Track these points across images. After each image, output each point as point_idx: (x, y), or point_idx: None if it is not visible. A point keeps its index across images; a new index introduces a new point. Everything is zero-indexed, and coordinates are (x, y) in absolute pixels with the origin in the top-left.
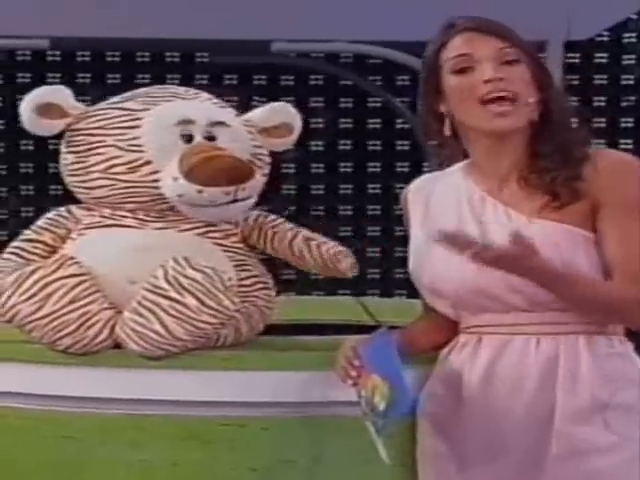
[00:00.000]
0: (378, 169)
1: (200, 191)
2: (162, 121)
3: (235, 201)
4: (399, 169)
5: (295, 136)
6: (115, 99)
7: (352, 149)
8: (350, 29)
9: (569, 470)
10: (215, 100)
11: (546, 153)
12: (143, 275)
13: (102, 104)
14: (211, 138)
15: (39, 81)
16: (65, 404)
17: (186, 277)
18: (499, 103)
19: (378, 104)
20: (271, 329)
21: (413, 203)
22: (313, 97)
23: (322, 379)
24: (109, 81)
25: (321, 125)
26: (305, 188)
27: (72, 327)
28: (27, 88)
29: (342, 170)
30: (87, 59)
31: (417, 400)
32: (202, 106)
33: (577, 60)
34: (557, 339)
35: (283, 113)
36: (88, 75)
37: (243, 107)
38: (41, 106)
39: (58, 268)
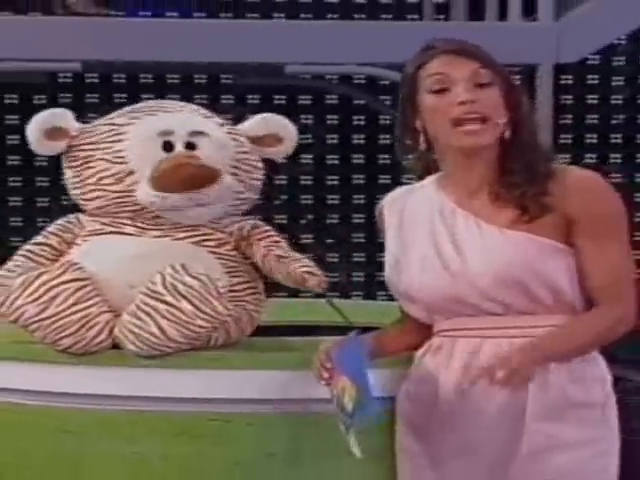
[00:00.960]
0: (388, 181)
1: (164, 198)
2: (143, 133)
3: (199, 205)
4: (408, 181)
5: (287, 146)
6: (108, 116)
7: (365, 163)
8: (360, 52)
9: (539, 465)
10: (201, 112)
11: (515, 170)
12: (141, 280)
13: (95, 122)
14: (192, 147)
15: (78, 101)
16: (65, 400)
17: (183, 283)
18: (470, 123)
19: (388, 121)
20: (260, 330)
21: (388, 215)
22: (329, 115)
23: (303, 378)
24: (142, 102)
25: (336, 141)
26: (321, 198)
27: (73, 328)
28: (68, 107)
29: (355, 182)
30: (122, 81)
31: (384, 400)
32: (183, 117)
33: (570, 81)
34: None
35: (272, 123)
36: (123, 95)
37: None
38: (47, 130)
39: (62, 273)
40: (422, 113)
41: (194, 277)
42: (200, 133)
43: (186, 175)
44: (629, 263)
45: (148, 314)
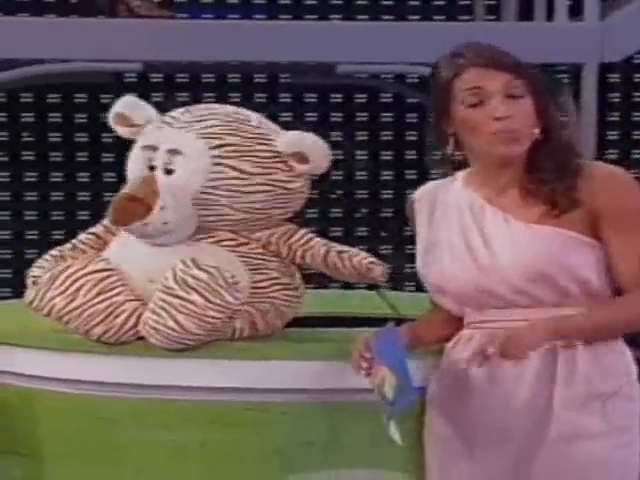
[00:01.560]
0: (438, 176)
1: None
2: (137, 149)
3: (143, 235)
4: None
5: (318, 165)
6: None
7: (417, 159)
8: (412, 52)
9: (565, 453)
10: (201, 126)
11: (545, 167)
12: (160, 275)
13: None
14: (169, 169)
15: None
16: (101, 389)
17: (192, 277)
18: (507, 135)
19: None
20: (296, 321)
21: (419, 209)
22: (383, 113)
23: (337, 368)
24: (204, 101)
25: (390, 138)
26: (375, 193)
27: (101, 317)
28: None
29: (408, 177)
30: (184, 80)
31: (422, 389)
32: (167, 133)
33: (617, 80)
34: None
35: (296, 143)
36: (185, 94)
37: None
38: (117, 116)
39: (87, 265)
40: (456, 122)
41: (202, 270)
42: (176, 152)
43: (120, 207)
44: None
45: (164, 309)
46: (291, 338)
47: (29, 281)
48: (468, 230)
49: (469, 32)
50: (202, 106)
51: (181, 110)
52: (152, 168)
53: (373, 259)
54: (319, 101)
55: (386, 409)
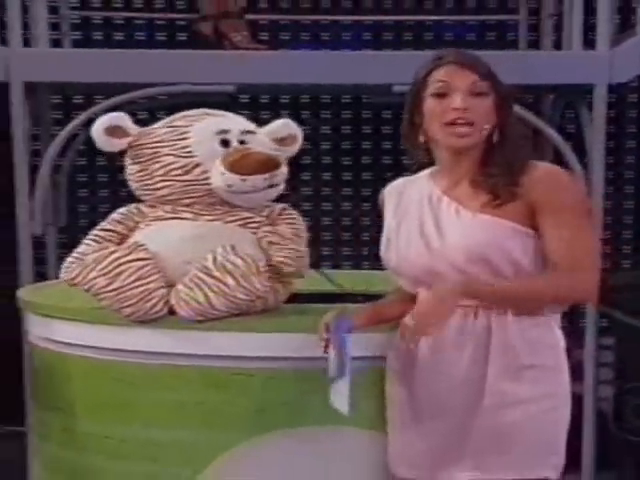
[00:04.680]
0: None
1: (244, 180)
2: (205, 132)
3: (271, 186)
4: None
5: (298, 145)
6: (162, 121)
7: None
8: None
9: (497, 419)
10: (241, 118)
11: (494, 163)
12: (196, 257)
13: (153, 125)
14: (243, 143)
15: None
16: (120, 355)
17: (229, 262)
18: (459, 126)
19: None
20: (296, 297)
21: (388, 200)
22: None
23: (311, 340)
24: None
25: None
26: None
27: (134, 300)
28: None
29: None
30: (267, 101)
31: (361, 362)
32: (234, 119)
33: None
34: (490, 312)
35: (291, 126)
36: (267, 113)
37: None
38: (109, 129)
39: (129, 252)
40: (425, 112)
41: (240, 257)
42: (250, 132)
43: (262, 159)
44: (590, 242)
45: (198, 285)
46: (281, 312)
47: (71, 258)
48: (425, 218)
49: (511, 58)
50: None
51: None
52: (226, 145)
53: (289, 259)
54: (374, 117)
55: (330, 381)
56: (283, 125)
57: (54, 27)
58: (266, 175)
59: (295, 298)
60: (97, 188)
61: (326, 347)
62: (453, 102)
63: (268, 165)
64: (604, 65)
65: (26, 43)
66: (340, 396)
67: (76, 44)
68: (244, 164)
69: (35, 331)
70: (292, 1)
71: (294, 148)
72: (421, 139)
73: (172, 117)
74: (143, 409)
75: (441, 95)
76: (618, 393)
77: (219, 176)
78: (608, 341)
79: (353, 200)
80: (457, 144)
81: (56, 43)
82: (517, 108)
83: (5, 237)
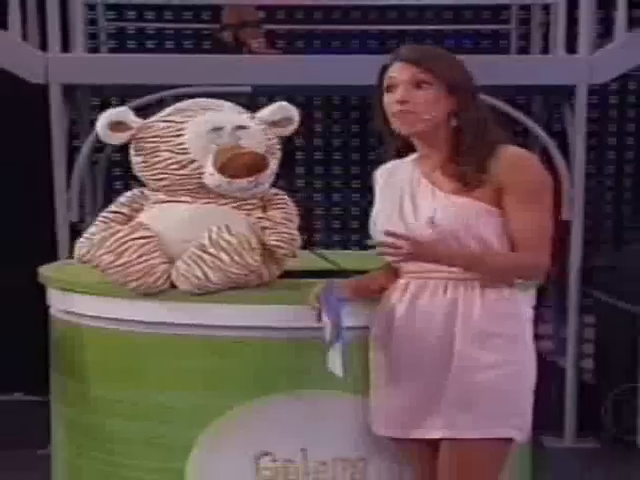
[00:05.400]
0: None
1: (230, 183)
2: (199, 129)
3: (257, 186)
4: None
5: (294, 125)
6: (162, 113)
7: None
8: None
9: (465, 381)
10: (237, 108)
11: (461, 151)
12: (193, 236)
13: (153, 118)
14: (236, 138)
15: None
16: (129, 326)
17: (223, 239)
18: (402, 116)
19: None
20: (289, 274)
21: (378, 181)
22: None
23: (303, 311)
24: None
25: None
26: None
27: (138, 274)
28: None
29: None
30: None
31: (352, 331)
32: (228, 115)
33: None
34: (458, 285)
35: (286, 108)
36: None
37: None
38: (112, 123)
39: (133, 231)
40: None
41: (233, 235)
42: (243, 127)
43: (248, 162)
44: (547, 222)
45: (195, 262)
46: (276, 286)
47: (82, 238)
48: (405, 198)
49: (503, 62)
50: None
51: (205, 100)
52: (219, 142)
53: (281, 242)
54: None
55: (326, 348)
56: (278, 108)
57: (92, 37)
58: (252, 178)
59: (289, 276)
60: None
61: (319, 315)
62: (396, 95)
63: (256, 167)
64: (585, 68)
65: (64, 50)
66: (335, 360)
67: (112, 52)
68: (232, 167)
69: (55, 305)
70: (306, 13)
71: (289, 129)
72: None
73: (170, 109)
74: (150, 375)
75: (390, 89)
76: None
77: (209, 176)
78: (590, 319)
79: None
80: (404, 131)
81: (93, 50)
82: (509, 109)
83: (46, 225)
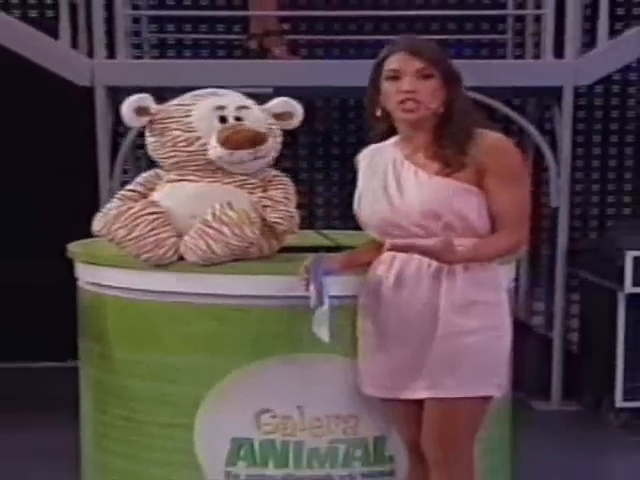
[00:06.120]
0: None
1: (232, 153)
2: (205, 109)
3: (256, 158)
4: None
5: (297, 120)
6: (175, 100)
7: None
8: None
9: (449, 345)
10: (242, 95)
11: (444, 136)
12: (199, 212)
13: (166, 104)
14: (239, 118)
15: None
16: (144, 295)
17: (225, 215)
18: (408, 104)
19: None
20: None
21: (362, 163)
22: None
23: (297, 281)
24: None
25: None
26: None
27: (149, 247)
28: None
29: None
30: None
31: (336, 300)
32: (231, 97)
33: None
34: None
35: (289, 103)
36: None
37: None
38: (135, 108)
39: (144, 207)
40: (382, 92)
41: (234, 210)
42: (245, 107)
43: (248, 136)
44: (526, 201)
45: (200, 235)
46: (276, 259)
47: (100, 214)
48: (388, 179)
49: (500, 67)
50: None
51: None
52: (224, 121)
53: (281, 219)
54: None
55: (313, 314)
56: (281, 102)
57: (137, 46)
58: (251, 150)
59: (291, 251)
60: None
61: (307, 285)
62: (403, 85)
63: (254, 141)
64: (571, 71)
65: (111, 56)
66: (320, 326)
67: (154, 59)
68: (233, 140)
69: (81, 277)
70: (325, 24)
71: (291, 123)
72: (378, 113)
73: (185, 95)
74: (160, 339)
75: (394, 78)
76: None
77: (212, 149)
78: (575, 297)
79: None
80: (408, 118)
81: (138, 58)
82: (507, 109)
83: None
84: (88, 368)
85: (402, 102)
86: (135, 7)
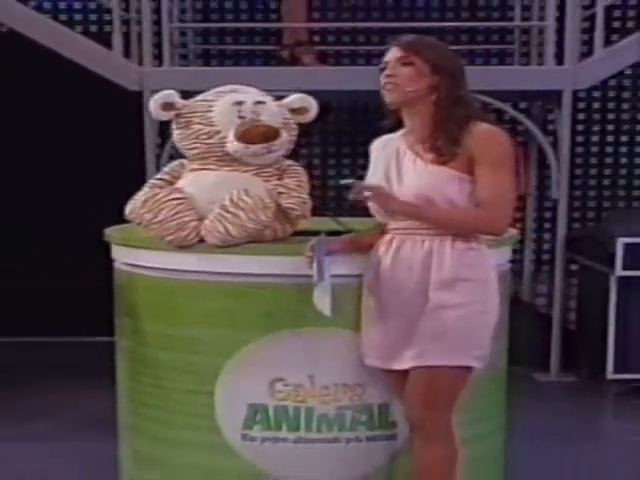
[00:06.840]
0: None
1: (247, 147)
2: (225, 105)
3: (270, 152)
4: None
5: (312, 114)
6: (200, 96)
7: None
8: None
9: (438, 318)
10: (259, 92)
11: (438, 128)
12: (218, 198)
13: (192, 100)
14: (256, 113)
15: None
16: (168, 274)
17: (241, 200)
18: (388, 86)
19: None
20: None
21: (373, 151)
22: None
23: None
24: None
25: None
26: None
27: (172, 230)
28: None
29: None
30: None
31: (334, 279)
32: (250, 93)
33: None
34: (434, 240)
35: (305, 99)
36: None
37: None
38: (163, 104)
39: (169, 193)
40: None
41: (249, 196)
42: (261, 102)
43: (262, 131)
44: (509, 187)
45: (219, 220)
46: (286, 242)
47: (132, 200)
48: (392, 166)
49: (508, 73)
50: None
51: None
52: (242, 115)
53: (294, 205)
54: None
55: (315, 289)
56: (298, 98)
57: (184, 57)
58: (265, 144)
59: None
60: None
61: (311, 263)
62: (386, 71)
63: (268, 136)
64: (570, 76)
65: (159, 65)
66: (322, 301)
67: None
68: (249, 135)
69: (117, 258)
70: (351, 36)
71: (307, 117)
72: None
73: (209, 91)
74: (184, 314)
75: (383, 69)
76: None
77: (230, 143)
78: (574, 280)
79: None
80: (389, 100)
81: (184, 67)
82: (514, 112)
83: None
84: (123, 341)
85: (383, 85)
86: (182, 21)
